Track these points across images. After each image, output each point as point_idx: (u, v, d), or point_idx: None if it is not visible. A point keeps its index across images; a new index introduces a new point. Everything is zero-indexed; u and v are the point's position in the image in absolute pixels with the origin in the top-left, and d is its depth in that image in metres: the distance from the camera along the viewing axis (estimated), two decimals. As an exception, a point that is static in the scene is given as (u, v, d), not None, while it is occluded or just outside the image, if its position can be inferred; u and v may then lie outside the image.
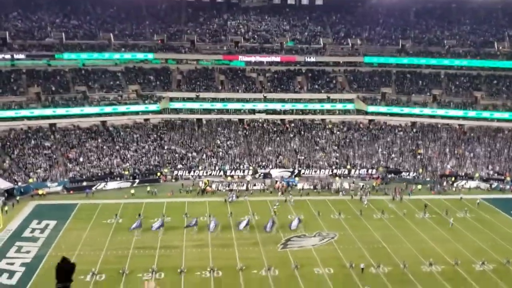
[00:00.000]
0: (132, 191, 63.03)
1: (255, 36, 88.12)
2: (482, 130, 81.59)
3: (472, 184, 70.42)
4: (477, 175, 71.97)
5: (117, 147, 72.98)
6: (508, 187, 69.38)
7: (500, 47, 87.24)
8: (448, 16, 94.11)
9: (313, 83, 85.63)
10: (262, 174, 71.60)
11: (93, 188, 63.85)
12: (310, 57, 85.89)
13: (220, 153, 75.20)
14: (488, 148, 78.07)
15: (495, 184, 70.11)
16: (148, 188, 63.82)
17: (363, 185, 68.00)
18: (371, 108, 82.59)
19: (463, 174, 72.62)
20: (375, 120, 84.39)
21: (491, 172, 73.16)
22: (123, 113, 76.89)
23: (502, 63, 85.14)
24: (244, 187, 66.41)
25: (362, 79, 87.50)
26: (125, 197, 61.40)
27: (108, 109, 75.55)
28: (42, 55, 77.88)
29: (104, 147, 72.22)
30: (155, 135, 77.09)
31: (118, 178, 66.97)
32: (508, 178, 70.72)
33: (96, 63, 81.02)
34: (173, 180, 69.23)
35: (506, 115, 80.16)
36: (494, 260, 45.65)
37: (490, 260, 45.47)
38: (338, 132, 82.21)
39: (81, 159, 68.96)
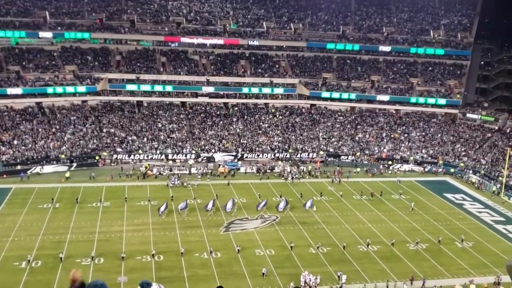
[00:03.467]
0: (67, 174, 61.16)
1: (198, 17, 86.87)
2: (417, 115, 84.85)
3: (407, 167, 73.27)
4: (411, 158, 74.94)
5: (53, 129, 70.32)
6: (440, 170, 72.75)
7: (436, 35, 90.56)
8: (387, 3, 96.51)
9: (257, 67, 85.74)
10: (205, 158, 71.32)
11: (28, 172, 61.34)
12: (253, 41, 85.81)
13: (162, 136, 74.12)
14: (423, 133, 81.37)
15: (428, 167, 73.30)
16: (68, 174, 61.38)
17: (303, 168, 69.24)
18: (313, 93, 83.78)
19: (398, 157, 75.42)
20: (317, 105, 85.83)
21: (425, 156, 76.37)
22: (60, 94, 74.04)
23: (437, 51, 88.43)
24: (187, 171, 65.94)
25: (304, 64, 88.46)
26: (62, 181, 59.51)
27: (43, 90, 72.46)
28: (-29, 32, 73.64)
29: (40, 129, 69.37)
30: (93, 118, 74.84)
31: (55, 162, 64.70)
32: (441, 162, 74.14)
33: (31, 42, 77.32)
34: (113, 164, 67.63)
35: (440, 101, 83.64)
36: (427, 240, 47.92)
37: (423, 240, 47.69)
38: (280, 117, 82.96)
39: (15, 142, 65.93)
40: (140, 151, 70.11)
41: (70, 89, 74.19)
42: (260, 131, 78.97)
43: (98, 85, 75.59)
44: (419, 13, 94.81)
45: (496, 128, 79.11)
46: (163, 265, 40.03)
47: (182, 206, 50.87)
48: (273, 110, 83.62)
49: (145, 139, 72.96)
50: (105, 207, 51.91)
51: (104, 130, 73.13)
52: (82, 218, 48.63)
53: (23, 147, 65.58)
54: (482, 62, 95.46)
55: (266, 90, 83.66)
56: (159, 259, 40.86)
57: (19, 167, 61.95)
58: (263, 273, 38.83)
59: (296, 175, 66.15)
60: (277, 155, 74.08)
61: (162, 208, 50.06)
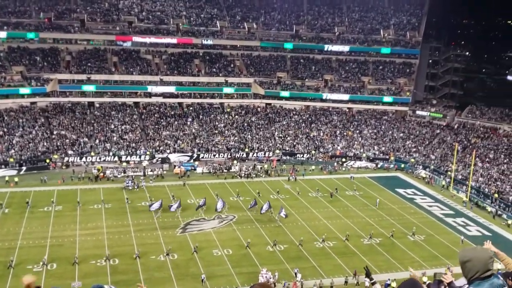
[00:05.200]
0: (16, 179, 59.01)
1: (150, 16, 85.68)
2: (369, 113, 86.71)
3: (360, 164, 74.78)
4: (364, 155, 76.55)
5: (1, 132, 67.75)
6: (392, 166, 74.65)
7: (386, 35, 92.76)
8: (339, 3, 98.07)
9: (211, 67, 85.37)
10: (160, 159, 70.45)
11: (-26, 177, 58.95)
12: (207, 40, 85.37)
13: (115, 138, 72.69)
14: (375, 130, 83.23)
15: (380, 164, 75.08)
16: (7, 178, 58.77)
17: (260, 167, 69.51)
18: (268, 92, 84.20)
19: (352, 154, 76.89)
20: (272, 104, 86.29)
21: (377, 152, 78.17)
22: (7, 96, 71.42)
23: (387, 50, 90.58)
24: (141, 173, 64.94)
25: (259, 63, 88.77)
26: (11, 186, 57.44)
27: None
28: None
29: (-14, 132, 66.77)
30: (43, 120, 72.56)
31: (3, 166, 62.34)
32: (392, 158, 76.07)
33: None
34: (64, 167, 65.77)
35: (390, 99, 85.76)
36: (380, 234, 49.09)
37: (376, 234, 48.82)
38: (236, 116, 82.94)
39: (-42, 146, 63.25)
40: (92, 153, 68.54)
41: (18, 90, 71.70)
42: (216, 131, 78.69)
43: (47, 86, 73.33)
44: (369, 13, 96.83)
45: (445, 124, 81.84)
46: (118, 268, 39.33)
47: (175, 206, 50.59)
48: (228, 110, 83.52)
49: (97, 141, 71.36)
50: (57, 211, 50.49)
51: (55, 132, 71.05)
52: (33, 223, 47.14)
53: (-32, 151, 62.95)
54: (430, 61, 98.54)
55: (222, 90, 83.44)
56: (114, 263, 40.12)
57: (-36, 172, 59.47)
58: (202, 280, 37.69)
59: (251, 174, 66.36)
60: (233, 154, 74.03)
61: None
